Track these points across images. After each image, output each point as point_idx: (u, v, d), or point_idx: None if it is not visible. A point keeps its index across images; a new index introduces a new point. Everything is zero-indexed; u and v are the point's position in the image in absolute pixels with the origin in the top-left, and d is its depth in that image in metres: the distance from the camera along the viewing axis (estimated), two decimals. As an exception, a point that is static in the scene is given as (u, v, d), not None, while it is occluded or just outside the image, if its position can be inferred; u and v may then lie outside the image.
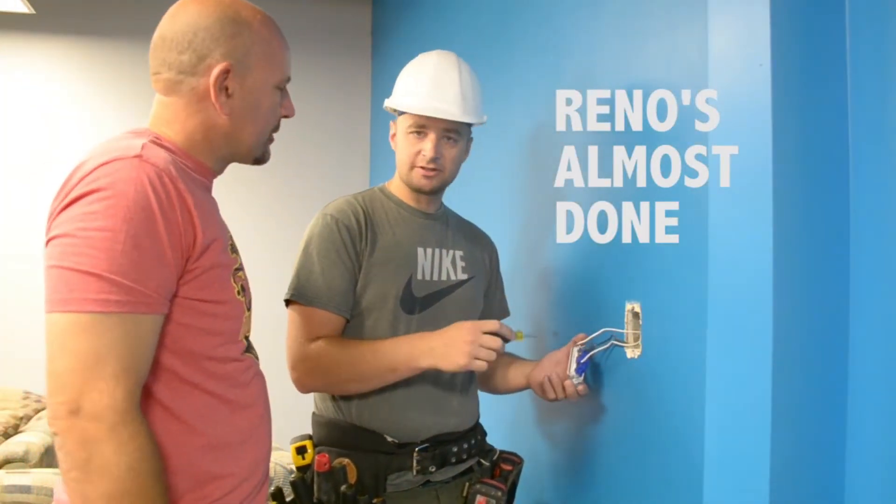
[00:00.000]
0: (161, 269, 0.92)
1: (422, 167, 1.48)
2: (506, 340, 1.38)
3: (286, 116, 1.16)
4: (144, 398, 0.94)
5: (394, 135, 1.54)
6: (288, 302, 1.46)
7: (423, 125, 1.46)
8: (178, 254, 0.93)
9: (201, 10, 1.04)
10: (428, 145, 1.46)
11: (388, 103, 1.54)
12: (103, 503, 0.86)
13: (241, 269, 1.08)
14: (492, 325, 1.37)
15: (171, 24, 1.05)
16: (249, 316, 1.11)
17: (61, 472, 0.90)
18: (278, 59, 1.10)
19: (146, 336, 0.91)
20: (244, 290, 1.08)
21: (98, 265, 0.88)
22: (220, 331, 1.02)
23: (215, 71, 1.02)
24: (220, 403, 1.02)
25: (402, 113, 1.51)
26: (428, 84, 1.47)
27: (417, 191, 1.53)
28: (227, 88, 1.04)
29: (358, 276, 1.45)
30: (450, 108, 1.46)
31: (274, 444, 2.92)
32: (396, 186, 1.56)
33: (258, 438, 1.09)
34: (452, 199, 1.66)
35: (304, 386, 1.45)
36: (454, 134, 1.49)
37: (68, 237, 0.90)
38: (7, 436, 3.08)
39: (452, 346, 1.35)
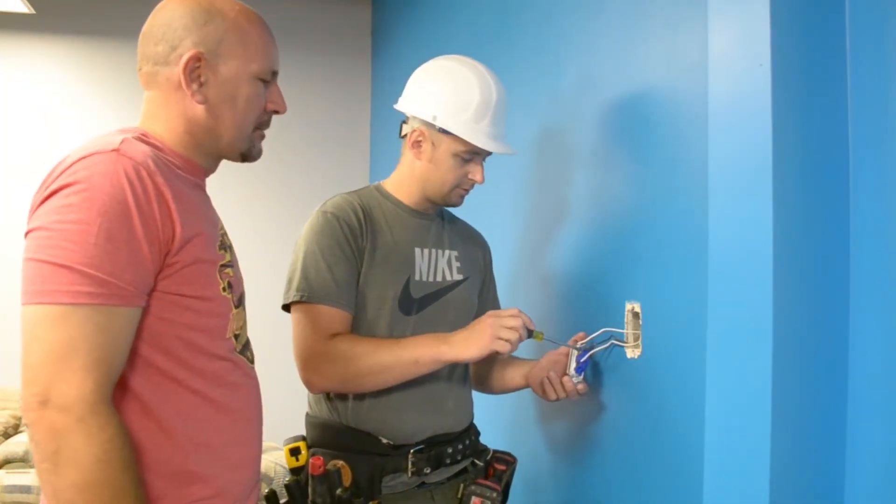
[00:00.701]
0: (136, 263, 0.92)
1: (465, 189, 1.51)
2: (527, 330, 1.38)
3: (276, 112, 1.14)
4: (123, 393, 0.94)
5: (418, 142, 1.47)
6: (289, 305, 1.43)
7: (477, 153, 1.46)
8: (154, 248, 0.93)
9: (178, 5, 1.06)
10: (479, 172, 1.48)
11: (439, 123, 1.43)
12: (71, 494, 0.86)
13: (229, 265, 1.07)
14: (512, 311, 1.38)
15: (152, 21, 1.07)
16: (238, 313, 1.10)
17: (35, 463, 0.89)
18: (256, 48, 1.08)
19: (120, 329, 0.91)
20: (231, 286, 1.07)
21: (71, 258, 0.88)
22: (205, 327, 1.01)
23: (184, 58, 1.03)
24: (203, 402, 1.01)
25: (444, 130, 1.44)
26: (491, 117, 1.45)
27: (447, 205, 1.55)
28: (199, 77, 1.04)
29: (360, 274, 1.44)
30: (508, 143, 1.50)
31: (273, 445, 2.93)
32: (395, 186, 1.54)
33: (245, 441, 1.08)
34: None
35: (315, 386, 1.42)
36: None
37: (44, 230, 0.90)
38: (7, 436, 3.08)
39: (474, 332, 1.36)
